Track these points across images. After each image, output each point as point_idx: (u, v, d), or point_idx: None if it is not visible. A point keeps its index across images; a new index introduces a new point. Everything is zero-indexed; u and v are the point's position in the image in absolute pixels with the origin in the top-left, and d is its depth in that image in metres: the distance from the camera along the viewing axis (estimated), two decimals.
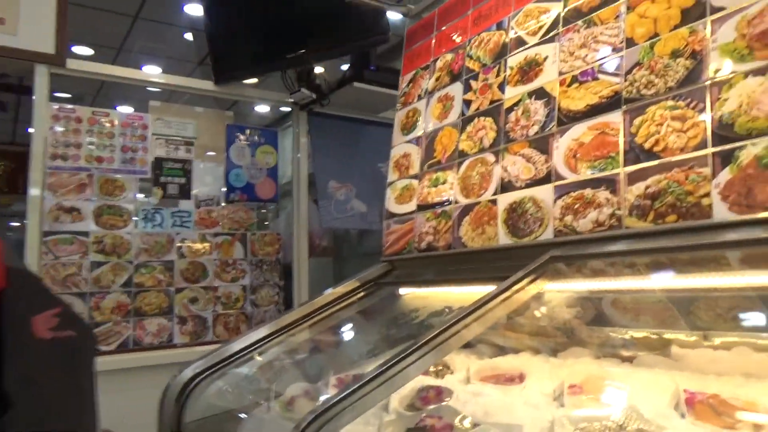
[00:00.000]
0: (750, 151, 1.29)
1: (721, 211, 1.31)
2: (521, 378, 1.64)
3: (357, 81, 3.81)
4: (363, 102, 4.09)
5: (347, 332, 2.30)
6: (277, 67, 3.82)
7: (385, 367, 1.40)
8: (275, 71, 3.92)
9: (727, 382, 1.32)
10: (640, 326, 1.70)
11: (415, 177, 2.36)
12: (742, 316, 1.50)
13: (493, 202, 1.94)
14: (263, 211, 4.10)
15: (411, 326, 2.10)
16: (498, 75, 2.09)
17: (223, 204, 3.83)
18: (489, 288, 1.61)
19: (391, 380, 1.40)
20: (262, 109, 4.90)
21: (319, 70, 3.99)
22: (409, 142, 2.46)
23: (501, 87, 2.06)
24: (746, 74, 1.34)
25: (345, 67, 4.06)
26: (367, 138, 4.34)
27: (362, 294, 2.25)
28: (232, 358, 2.01)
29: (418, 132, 2.42)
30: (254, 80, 4.34)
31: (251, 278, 3.82)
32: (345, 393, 1.35)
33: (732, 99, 1.35)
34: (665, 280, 1.52)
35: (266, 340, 2.10)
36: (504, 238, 1.86)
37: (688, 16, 1.50)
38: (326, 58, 3.88)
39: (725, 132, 1.35)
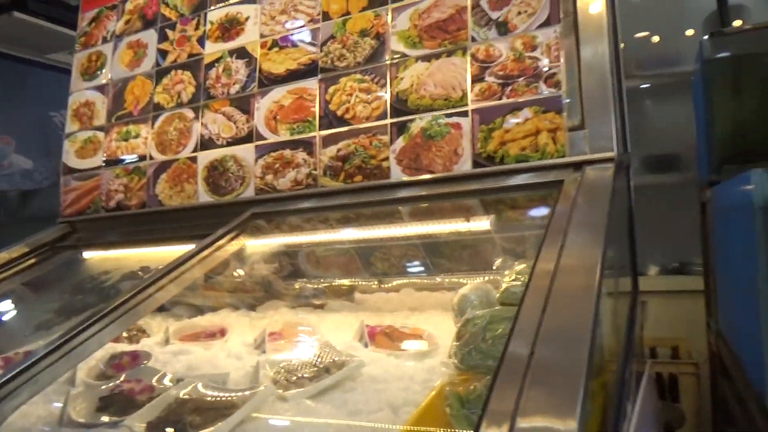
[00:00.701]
0: (418, 123, 1.55)
1: (397, 173, 1.55)
2: (222, 333, 1.67)
3: (18, 11, 3.17)
4: (26, 38, 3.43)
5: (13, 306, 1.96)
6: None
7: (64, 339, 1.26)
8: None
9: (398, 316, 1.59)
10: (330, 276, 1.90)
11: (100, 129, 2.12)
12: (408, 263, 1.81)
13: (193, 159, 1.88)
14: None
15: (99, 292, 1.91)
16: (197, 28, 2.02)
17: None
18: (189, 247, 1.58)
19: (73, 352, 1.27)
20: None
21: None
22: (92, 89, 2.19)
23: (201, 41, 1.99)
24: (417, 59, 1.59)
25: None
26: (32, 82, 3.67)
27: (33, 261, 1.95)
28: None
29: (104, 79, 2.17)
30: None
31: None
32: (13, 372, 1.18)
33: (406, 79, 1.59)
34: (352, 234, 1.73)
35: None
36: (204, 196, 1.83)
37: (374, 1, 1.70)
38: None
39: (401, 106, 1.59)
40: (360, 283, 1.86)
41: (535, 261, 0.99)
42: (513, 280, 1.26)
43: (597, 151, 1.32)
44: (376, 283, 1.85)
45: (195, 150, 1.89)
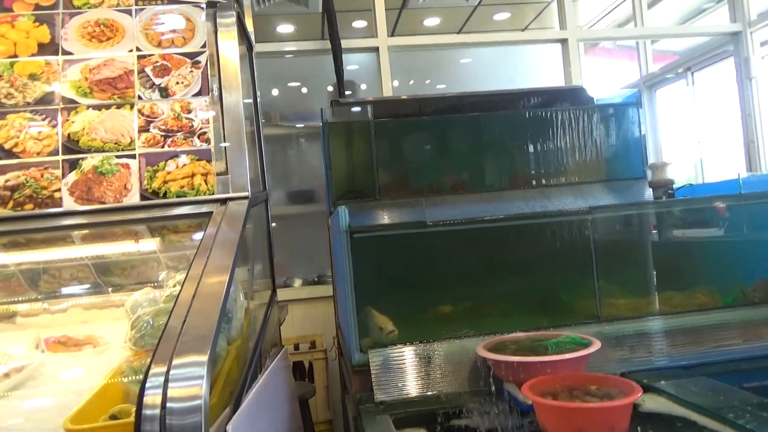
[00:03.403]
0: (90, 161, 1.82)
1: (69, 203, 1.78)
2: None
3: None
4: None
5: None
6: None
7: None
8: None
9: (72, 329, 1.79)
10: None
11: None
12: (78, 282, 2.01)
13: None
14: None
15: None
16: None
17: None
18: None
19: None
20: None
21: None
22: None
23: None
24: (88, 107, 1.86)
25: None
26: None
27: None
28: None
29: None
30: None
31: None
32: None
33: (78, 122, 1.84)
34: (20, 257, 1.85)
35: None
36: None
37: (44, 50, 1.89)
38: None
39: (72, 146, 1.83)
40: (25, 306, 1.96)
41: (188, 269, 1.42)
42: (174, 286, 1.66)
43: (237, 191, 1.83)
44: (44, 304, 1.98)
45: None
